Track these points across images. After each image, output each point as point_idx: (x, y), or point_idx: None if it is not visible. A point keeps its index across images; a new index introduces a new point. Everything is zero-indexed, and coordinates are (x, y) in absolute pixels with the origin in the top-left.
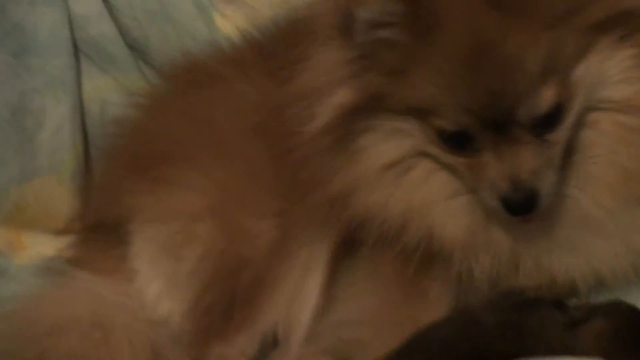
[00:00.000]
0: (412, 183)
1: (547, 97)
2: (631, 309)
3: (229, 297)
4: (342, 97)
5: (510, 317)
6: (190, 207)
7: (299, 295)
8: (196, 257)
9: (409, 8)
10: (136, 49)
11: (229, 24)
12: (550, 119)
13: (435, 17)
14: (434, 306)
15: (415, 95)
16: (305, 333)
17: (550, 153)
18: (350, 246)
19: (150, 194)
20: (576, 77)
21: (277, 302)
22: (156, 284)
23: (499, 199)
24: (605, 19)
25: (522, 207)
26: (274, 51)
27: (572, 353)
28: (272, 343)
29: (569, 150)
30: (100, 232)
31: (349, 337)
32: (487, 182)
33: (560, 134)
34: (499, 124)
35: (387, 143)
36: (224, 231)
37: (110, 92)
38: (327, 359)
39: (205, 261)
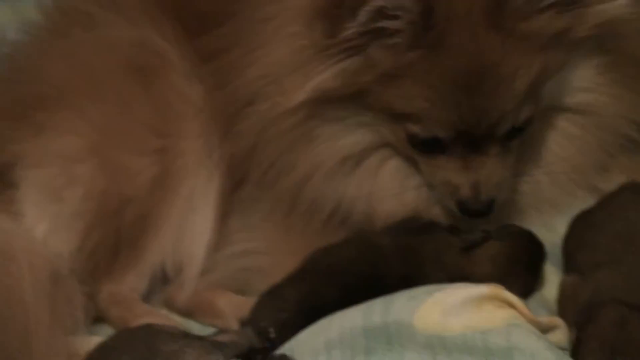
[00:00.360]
0: (365, 172)
1: (525, 113)
2: (523, 231)
3: (114, 236)
4: (325, 82)
5: (407, 241)
6: (69, 150)
7: (186, 231)
8: (78, 198)
9: (423, 12)
10: None
11: None
12: (518, 130)
13: (442, 31)
14: (333, 236)
15: (402, 103)
16: (200, 267)
17: (510, 159)
18: (245, 181)
19: (30, 139)
20: (546, 90)
21: (163, 239)
22: (41, 226)
23: (456, 202)
24: (586, 35)
25: (476, 214)
26: None
27: (468, 276)
28: (162, 279)
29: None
30: None
31: (248, 266)
32: (448, 184)
33: (519, 140)
34: (475, 139)
35: (351, 136)
36: (104, 171)
37: (8, 21)
38: (224, 290)
39: (88, 202)
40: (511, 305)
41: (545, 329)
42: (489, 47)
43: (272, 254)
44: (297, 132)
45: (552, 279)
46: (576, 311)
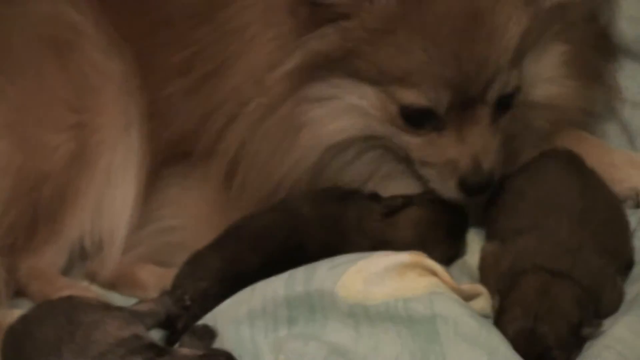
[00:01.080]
0: (341, 163)
1: (514, 77)
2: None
3: (32, 212)
4: (318, 42)
5: (328, 208)
6: None
7: (105, 206)
8: None
9: None
10: None
11: None
12: (505, 102)
13: None
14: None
15: (397, 61)
16: (121, 242)
17: (500, 138)
18: (170, 158)
19: None
20: (523, 70)
21: (81, 214)
22: None
23: (458, 180)
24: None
25: (479, 188)
26: None
27: (390, 241)
28: (82, 253)
29: None
30: None
31: (175, 242)
32: (447, 162)
33: (505, 121)
34: (468, 101)
35: (337, 121)
36: (20, 147)
37: None
38: (147, 264)
39: (4, 178)
40: (433, 273)
41: (467, 297)
42: None
43: (195, 229)
44: (284, 126)
45: (475, 245)
46: (498, 278)
